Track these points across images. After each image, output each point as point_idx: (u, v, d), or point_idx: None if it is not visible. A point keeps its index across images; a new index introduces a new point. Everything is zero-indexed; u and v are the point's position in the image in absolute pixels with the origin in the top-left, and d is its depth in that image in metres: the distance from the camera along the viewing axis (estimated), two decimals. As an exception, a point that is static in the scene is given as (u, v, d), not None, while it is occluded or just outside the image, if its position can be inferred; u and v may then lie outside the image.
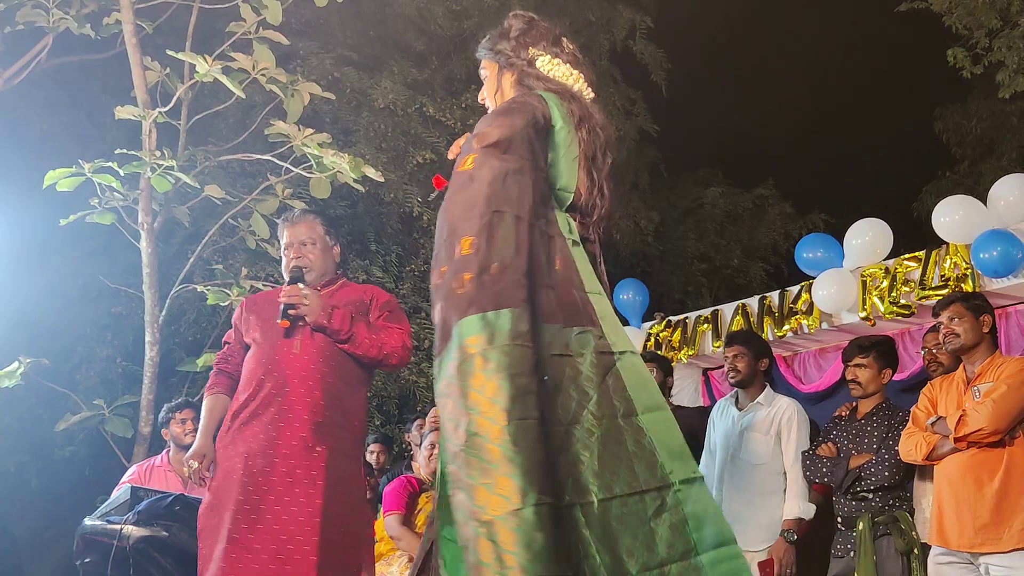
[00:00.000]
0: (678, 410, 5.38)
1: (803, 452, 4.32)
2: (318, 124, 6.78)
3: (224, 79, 4.90)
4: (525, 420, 1.85)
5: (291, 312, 3.33)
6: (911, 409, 4.01)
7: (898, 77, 12.54)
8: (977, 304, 3.90)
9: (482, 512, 1.80)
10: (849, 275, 5.66)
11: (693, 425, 4.88)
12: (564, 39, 2.55)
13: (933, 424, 3.82)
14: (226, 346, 3.61)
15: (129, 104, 5.19)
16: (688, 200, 12.33)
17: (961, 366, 3.93)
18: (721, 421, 4.70)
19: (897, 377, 4.70)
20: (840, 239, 5.90)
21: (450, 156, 2.35)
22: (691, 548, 1.96)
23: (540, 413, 1.90)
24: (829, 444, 4.25)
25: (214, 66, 4.83)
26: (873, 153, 13.04)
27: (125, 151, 4.99)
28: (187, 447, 4.79)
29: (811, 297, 5.81)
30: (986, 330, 3.84)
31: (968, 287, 4.97)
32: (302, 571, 3.04)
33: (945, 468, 3.78)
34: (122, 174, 5.00)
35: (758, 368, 4.63)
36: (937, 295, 4.93)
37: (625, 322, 7.10)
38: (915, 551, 3.92)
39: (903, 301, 5.35)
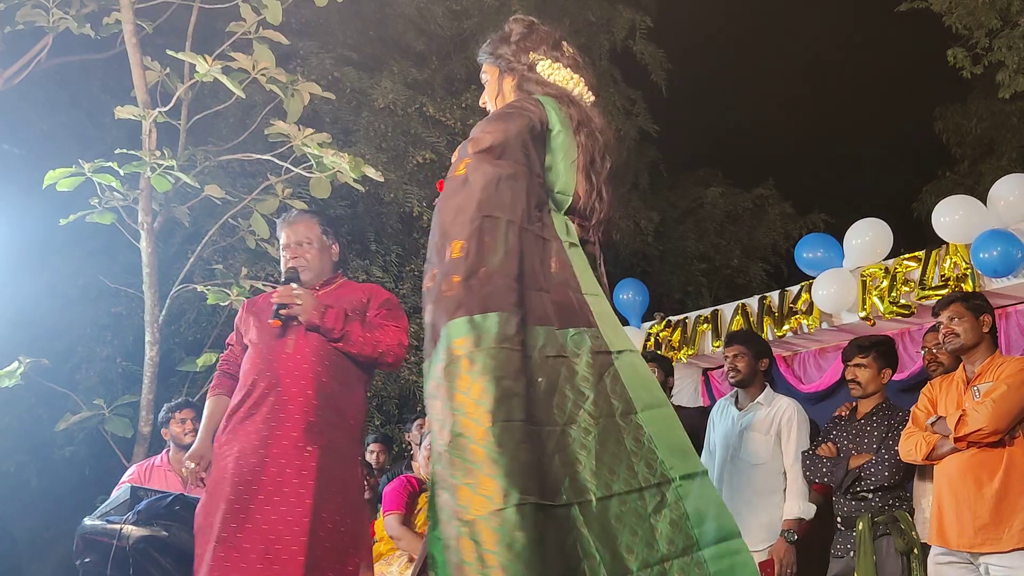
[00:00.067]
0: (678, 410, 5.37)
1: (803, 452, 4.32)
2: (318, 124, 6.78)
3: (224, 79, 4.90)
4: (509, 422, 1.88)
5: (283, 312, 3.35)
6: (911, 409, 4.01)
7: (898, 77, 12.54)
8: (977, 304, 3.90)
9: (464, 512, 1.83)
10: (849, 275, 5.66)
11: (694, 425, 4.87)
12: (564, 43, 2.56)
13: (933, 424, 3.82)
14: (229, 348, 3.64)
15: (129, 104, 5.19)
16: (688, 200, 12.33)
17: (961, 366, 3.93)
18: (721, 421, 4.70)
19: (897, 377, 4.69)
20: (840, 239, 5.90)
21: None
22: (692, 543, 1.97)
23: (526, 415, 1.92)
24: (829, 444, 4.25)
25: (214, 66, 4.83)
26: (873, 153, 13.04)
27: (125, 151, 4.99)
28: (187, 447, 4.80)
29: (811, 297, 5.81)
30: (986, 330, 3.84)
31: (968, 287, 4.97)
32: (290, 571, 3.04)
33: (945, 468, 3.78)
34: (122, 174, 5.00)
35: (758, 368, 4.63)
36: (937, 295, 4.93)
37: (625, 322, 7.10)
38: (915, 551, 3.92)
39: (903, 301, 5.35)
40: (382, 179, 5.44)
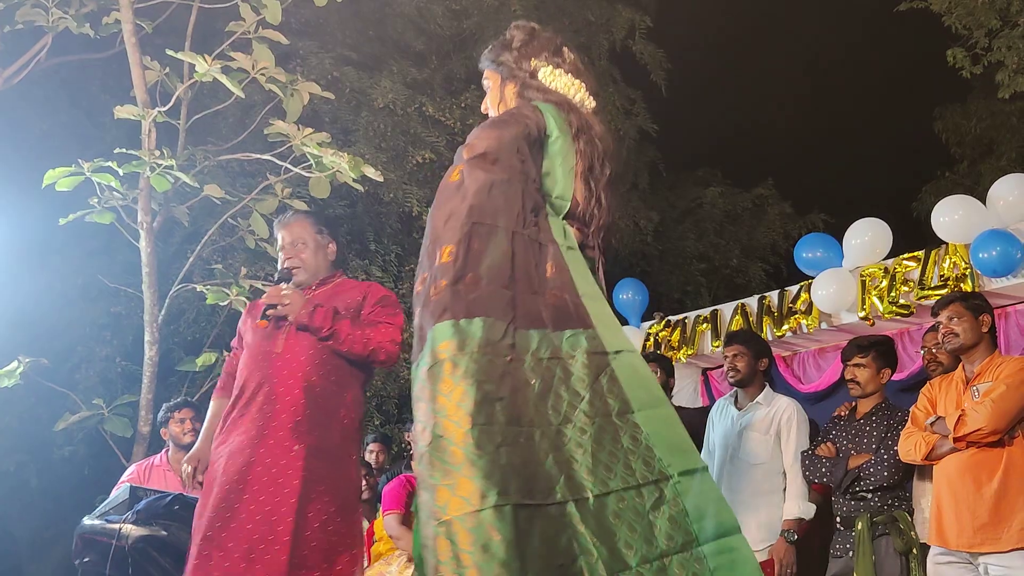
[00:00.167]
0: (679, 410, 5.36)
1: (802, 452, 4.32)
2: (317, 124, 6.78)
3: (223, 79, 4.90)
4: (489, 425, 1.92)
5: (270, 312, 3.36)
6: (910, 409, 4.01)
7: (898, 77, 12.54)
8: (976, 304, 3.90)
9: (442, 512, 1.86)
10: (848, 275, 5.66)
11: (694, 425, 4.87)
12: (565, 49, 2.59)
13: (932, 424, 3.82)
14: (233, 351, 3.66)
15: (128, 103, 5.19)
16: (687, 200, 12.33)
17: (960, 366, 3.93)
18: (720, 421, 4.70)
19: (896, 377, 4.69)
20: (839, 239, 5.89)
21: None
22: (692, 539, 1.98)
23: (511, 418, 1.95)
24: (828, 444, 4.25)
25: (213, 66, 4.82)
26: (873, 153, 13.05)
27: (124, 150, 4.99)
28: (186, 446, 4.82)
29: (810, 297, 5.80)
30: (985, 330, 3.84)
31: (967, 287, 4.97)
32: (273, 570, 3.05)
33: (944, 468, 3.77)
34: (121, 173, 5.00)
35: (757, 368, 4.63)
36: (936, 295, 4.93)
37: (624, 322, 7.10)
38: (914, 551, 3.92)
39: (902, 301, 5.35)
40: (381, 179, 5.43)
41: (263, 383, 3.30)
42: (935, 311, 3.96)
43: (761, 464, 4.45)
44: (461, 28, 9.42)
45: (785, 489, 4.41)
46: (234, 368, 3.56)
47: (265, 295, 3.41)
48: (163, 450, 4.96)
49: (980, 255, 4.93)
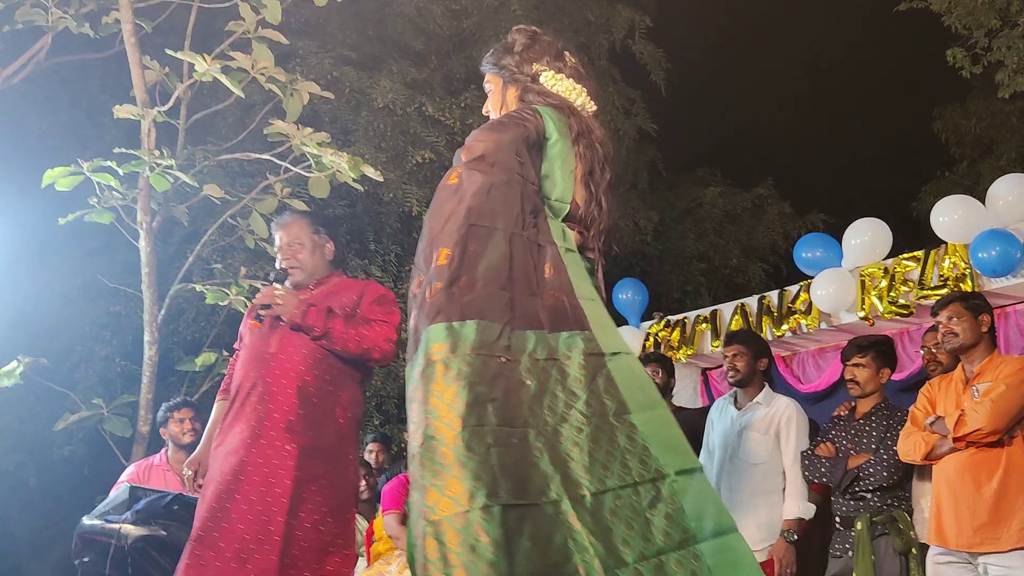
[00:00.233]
0: (679, 411, 5.38)
1: (802, 452, 4.32)
2: (317, 123, 6.78)
3: (223, 78, 4.90)
4: (480, 427, 1.94)
5: (263, 313, 3.37)
6: (910, 409, 4.01)
7: (897, 77, 12.54)
8: (976, 304, 3.90)
9: (431, 512, 1.88)
10: (848, 275, 5.66)
11: (696, 425, 4.87)
12: (567, 53, 2.61)
13: (932, 424, 3.82)
14: (236, 352, 3.66)
15: (128, 103, 5.18)
16: (687, 200, 12.33)
17: (960, 366, 3.93)
18: (720, 421, 4.70)
19: (896, 377, 4.70)
20: (839, 239, 5.89)
21: None
22: (689, 537, 1.99)
23: (503, 419, 1.97)
24: (828, 444, 4.25)
25: (213, 65, 4.82)
26: (872, 153, 13.05)
27: (124, 150, 4.99)
28: (185, 446, 4.84)
29: (810, 297, 5.80)
30: (985, 330, 3.84)
31: (967, 287, 4.96)
32: (263, 569, 3.05)
33: (944, 468, 3.78)
34: (121, 173, 5.00)
35: (757, 368, 4.63)
36: (936, 295, 4.93)
37: (624, 321, 7.10)
38: (913, 551, 3.92)
39: (902, 301, 5.35)
40: (381, 179, 5.43)
41: (257, 383, 3.31)
42: (935, 311, 3.96)
43: (760, 464, 4.45)
44: (461, 28, 9.42)
45: (785, 489, 4.41)
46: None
47: (259, 295, 3.42)
48: (162, 450, 4.96)
49: (980, 255, 4.93)
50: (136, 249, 5.37)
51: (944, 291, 4.93)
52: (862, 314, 5.51)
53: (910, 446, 3.84)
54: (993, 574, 3.61)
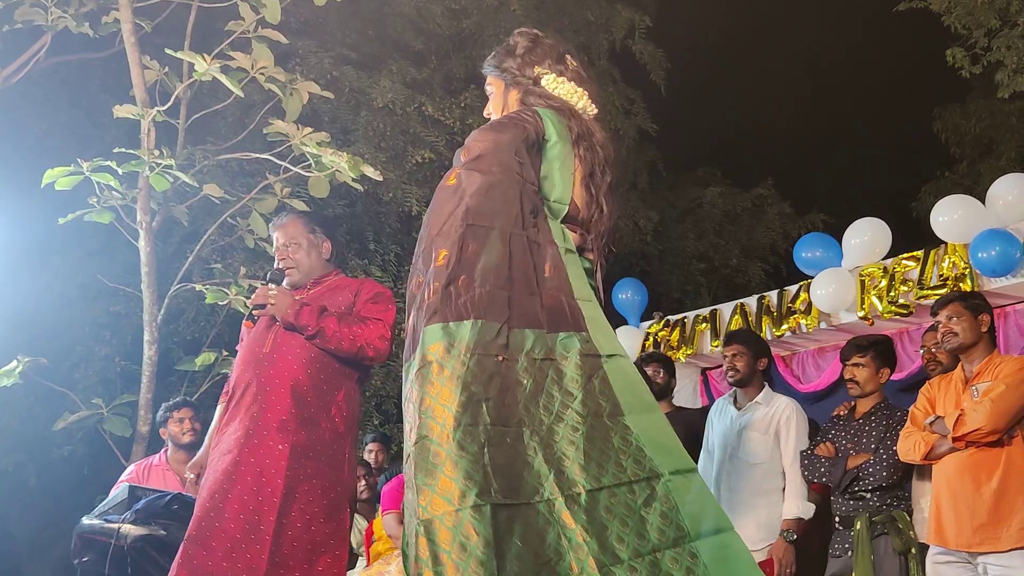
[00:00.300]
0: (680, 411, 5.38)
1: (801, 452, 4.31)
2: (317, 123, 6.78)
3: (223, 78, 4.90)
4: (474, 426, 1.96)
5: (256, 313, 3.38)
6: (909, 409, 4.01)
7: (897, 77, 12.54)
8: (975, 303, 3.90)
9: (423, 511, 1.90)
10: (848, 275, 5.66)
11: (697, 426, 4.87)
12: (568, 56, 2.62)
13: (931, 424, 3.82)
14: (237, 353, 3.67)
15: (128, 103, 5.19)
16: (687, 200, 12.34)
17: (959, 365, 3.93)
18: (719, 420, 4.70)
19: (896, 376, 4.69)
20: (839, 239, 5.89)
21: None
22: (684, 534, 2.00)
23: (497, 419, 1.99)
24: (827, 444, 4.25)
25: (213, 65, 4.82)
26: (872, 153, 13.05)
27: (124, 150, 4.99)
28: (185, 446, 4.83)
29: (809, 297, 5.80)
30: (984, 329, 3.84)
31: (966, 286, 4.97)
32: (253, 568, 3.04)
33: (943, 468, 3.77)
34: (121, 173, 5.00)
35: (757, 367, 4.62)
36: (935, 295, 4.93)
37: (624, 321, 7.10)
38: (912, 550, 3.92)
39: (901, 300, 5.35)
40: (381, 178, 5.44)
41: (251, 383, 3.30)
42: (934, 311, 3.96)
43: (760, 464, 4.45)
44: (460, 28, 9.42)
45: (784, 489, 4.41)
46: None
47: (253, 296, 3.42)
48: (162, 449, 4.95)
49: (979, 255, 4.93)
50: (136, 249, 5.37)
51: (944, 291, 4.93)
52: (862, 314, 5.51)
53: (910, 446, 3.84)
54: (993, 574, 3.61)
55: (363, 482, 5.67)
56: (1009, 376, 3.68)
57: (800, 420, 4.48)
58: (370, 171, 5.03)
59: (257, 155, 5.50)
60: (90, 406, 5.60)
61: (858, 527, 3.99)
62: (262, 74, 5.16)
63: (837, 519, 4.17)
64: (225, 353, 5.80)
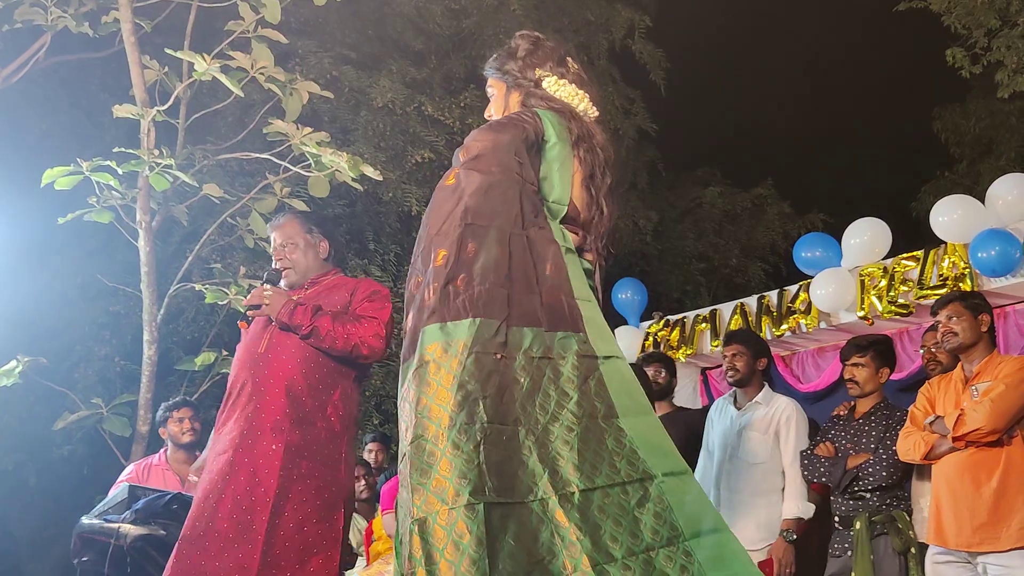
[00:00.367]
0: (680, 411, 5.38)
1: (801, 451, 4.32)
2: (317, 123, 6.78)
3: (223, 78, 4.90)
4: (469, 425, 1.97)
5: (251, 314, 3.38)
6: (909, 408, 4.01)
7: (897, 77, 12.54)
8: (975, 303, 3.90)
9: (417, 510, 1.92)
10: (847, 274, 5.66)
11: (696, 425, 4.88)
12: (569, 59, 2.63)
13: (931, 423, 3.82)
14: None
15: (127, 103, 5.19)
16: (687, 200, 12.34)
17: (959, 365, 3.93)
18: (719, 420, 4.70)
19: (895, 376, 4.69)
20: (838, 238, 5.89)
21: None
22: (678, 534, 2.01)
23: (494, 417, 2.00)
24: (827, 443, 4.25)
25: (212, 65, 4.82)
26: (872, 153, 13.05)
27: (123, 149, 4.99)
28: (185, 446, 4.84)
29: (809, 296, 5.81)
30: (984, 329, 3.84)
31: (966, 286, 4.97)
32: (245, 568, 3.04)
33: (943, 467, 3.78)
34: (120, 173, 5.00)
35: (756, 367, 4.63)
36: (935, 294, 4.93)
37: (624, 321, 7.10)
38: (912, 550, 3.92)
39: (901, 300, 5.35)
40: (380, 178, 5.44)
41: (247, 383, 3.31)
42: (934, 310, 3.96)
43: (760, 464, 4.45)
44: (460, 27, 9.41)
45: (784, 489, 4.41)
46: None
47: (248, 296, 3.43)
48: (162, 449, 4.95)
49: (979, 255, 4.93)
50: (135, 249, 5.37)
51: (943, 291, 4.94)
52: (861, 314, 5.52)
53: (909, 446, 3.84)
54: (992, 574, 3.61)
55: (363, 482, 5.67)
56: (1009, 376, 3.68)
57: (800, 420, 4.48)
58: (370, 171, 5.03)
59: (257, 155, 5.50)
60: (90, 406, 5.60)
61: (858, 527, 3.99)
62: (262, 74, 5.16)
63: (837, 519, 4.17)
64: (225, 353, 5.81)
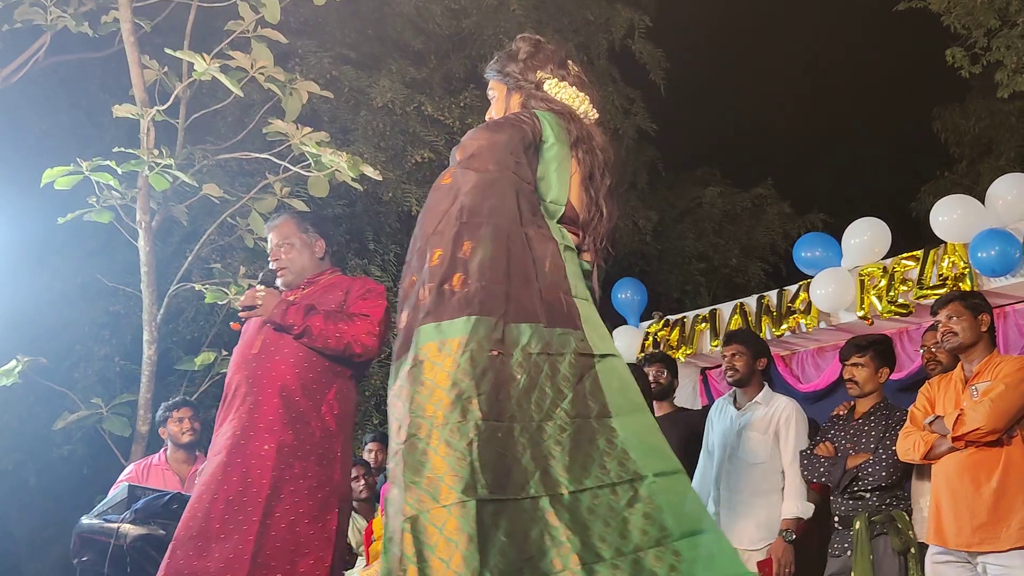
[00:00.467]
0: (681, 411, 5.38)
1: (801, 451, 4.32)
2: (316, 123, 6.78)
3: (222, 77, 4.90)
4: (463, 423, 1.96)
5: (243, 315, 3.39)
6: (909, 408, 4.01)
7: (897, 77, 12.54)
8: (975, 303, 3.90)
9: (409, 508, 1.91)
10: (847, 274, 5.66)
11: (696, 425, 4.88)
12: (570, 61, 2.64)
13: (931, 423, 3.82)
14: None
15: (127, 103, 5.19)
16: (686, 199, 12.33)
17: (959, 365, 3.93)
18: (719, 420, 4.70)
19: (895, 376, 4.69)
20: (838, 238, 5.89)
21: None
22: (667, 534, 2.01)
23: (489, 414, 1.99)
24: (827, 443, 4.25)
25: (212, 64, 4.83)
26: (872, 153, 13.05)
27: (123, 149, 4.99)
28: (184, 446, 4.84)
29: (809, 296, 5.81)
30: (984, 329, 3.84)
31: (966, 286, 4.97)
32: (236, 568, 3.04)
33: (943, 467, 3.78)
34: (120, 172, 5.00)
35: (756, 367, 4.63)
36: (935, 294, 4.93)
37: (623, 321, 7.10)
38: (912, 550, 3.92)
39: (901, 300, 5.35)
40: (380, 178, 5.44)
41: (241, 384, 3.31)
42: (934, 310, 3.96)
43: (760, 464, 4.45)
44: (460, 27, 9.41)
45: (784, 488, 4.41)
46: None
47: (242, 298, 3.44)
48: (161, 449, 4.96)
49: (979, 254, 4.93)
50: (135, 248, 5.38)
51: (943, 291, 4.93)
52: (861, 313, 5.52)
53: (909, 445, 3.84)
54: (992, 574, 3.61)
55: (362, 482, 5.67)
56: (1008, 376, 3.68)
57: (800, 420, 4.48)
58: (369, 171, 5.03)
59: (257, 155, 5.50)
60: (89, 406, 5.61)
61: (857, 527, 3.99)
62: (261, 74, 5.17)
63: (836, 519, 4.17)
64: (224, 353, 5.81)
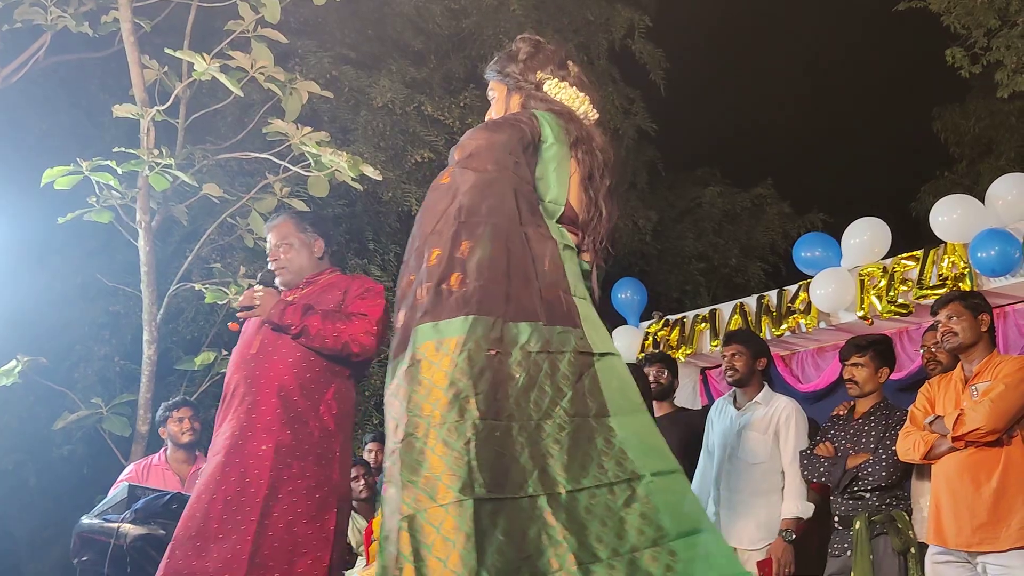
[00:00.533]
0: (681, 411, 5.38)
1: (801, 451, 4.32)
2: (316, 123, 6.78)
3: (222, 77, 4.90)
4: (460, 422, 1.96)
5: (241, 315, 3.40)
6: (909, 408, 4.01)
7: (897, 77, 12.54)
8: (975, 303, 3.91)
9: (406, 507, 1.91)
10: (847, 274, 5.66)
11: (698, 425, 4.88)
12: (570, 62, 2.64)
13: (931, 423, 3.82)
14: None
15: (127, 102, 5.19)
16: (686, 199, 12.33)
17: (959, 365, 3.93)
18: (719, 420, 4.70)
19: (895, 376, 4.70)
20: (838, 238, 5.90)
21: None
22: (664, 534, 2.01)
23: (486, 413, 1.99)
24: (827, 443, 4.25)
25: (212, 64, 4.83)
26: (871, 153, 13.05)
27: (123, 149, 4.99)
28: (184, 446, 4.84)
29: (809, 296, 5.81)
30: (984, 329, 3.84)
31: (966, 286, 4.97)
32: (234, 568, 3.05)
33: (943, 467, 3.78)
34: (120, 172, 5.00)
35: (756, 367, 4.63)
36: (935, 294, 4.93)
37: (623, 321, 7.10)
38: (912, 550, 3.92)
39: (901, 300, 5.35)
40: (380, 178, 5.44)
41: (239, 384, 3.32)
42: (934, 310, 3.96)
43: (760, 463, 4.45)
44: (460, 27, 9.41)
45: (783, 488, 4.41)
46: None
47: (241, 298, 3.44)
48: (161, 449, 4.96)
49: (979, 254, 4.93)
50: (135, 248, 5.38)
51: (943, 291, 4.93)
52: (861, 313, 5.52)
53: (909, 445, 3.84)
54: (992, 574, 3.61)
55: (362, 482, 5.66)
56: (1008, 376, 3.68)
57: (799, 420, 4.48)
58: (369, 170, 5.03)
59: (257, 155, 5.50)
60: (89, 406, 5.60)
61: (857, 527, 4.00)
62: (261, 74, 5.17)
63: (836, 519, 4.17)
64: (224, 352, 5.81)
